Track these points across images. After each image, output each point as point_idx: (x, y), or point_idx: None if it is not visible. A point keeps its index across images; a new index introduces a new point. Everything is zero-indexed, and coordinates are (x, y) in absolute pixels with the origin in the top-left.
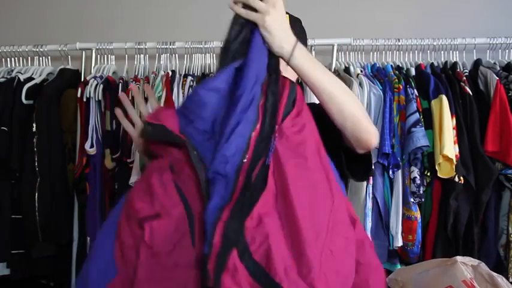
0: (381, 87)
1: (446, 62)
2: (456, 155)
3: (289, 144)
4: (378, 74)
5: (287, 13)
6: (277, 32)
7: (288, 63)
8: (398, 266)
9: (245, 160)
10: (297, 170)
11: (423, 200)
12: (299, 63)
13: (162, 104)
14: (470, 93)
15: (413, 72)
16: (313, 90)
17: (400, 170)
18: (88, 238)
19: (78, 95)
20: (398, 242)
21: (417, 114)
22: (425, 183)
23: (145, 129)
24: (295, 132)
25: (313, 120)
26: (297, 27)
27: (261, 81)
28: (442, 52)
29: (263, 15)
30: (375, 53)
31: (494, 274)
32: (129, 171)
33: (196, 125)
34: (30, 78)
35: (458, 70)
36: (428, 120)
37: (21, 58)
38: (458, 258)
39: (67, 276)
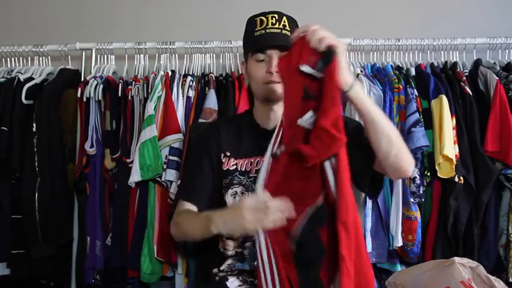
0: (381, 87)
1: (446, 62)
2: (456, 155)
3: None
4: (378, 74)
5: None
6: (345, 65)
7: (346, 93)
8: (399, 266)
9: None
10: None
11: (423, 200)
12: (358, 95)
13: (161, 104)
14: (470, 93)
15: (413, 72)
16: (366, 118)
17: None
18: (88, 238)
19: (78, 95)
20: (398, 242)
21: (417, 114)
22: (425, 183)
23: None
24: None
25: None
26: None
27: None
28: (442, 52)
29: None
30: (375, 53)
31: (492, 277)
32: (128, 171)
33: None
34: (30, 78)
35: (458, 70)
36: (428, 120)
37: (21, 58)
38: (456, 259)
39: (67, 276)
